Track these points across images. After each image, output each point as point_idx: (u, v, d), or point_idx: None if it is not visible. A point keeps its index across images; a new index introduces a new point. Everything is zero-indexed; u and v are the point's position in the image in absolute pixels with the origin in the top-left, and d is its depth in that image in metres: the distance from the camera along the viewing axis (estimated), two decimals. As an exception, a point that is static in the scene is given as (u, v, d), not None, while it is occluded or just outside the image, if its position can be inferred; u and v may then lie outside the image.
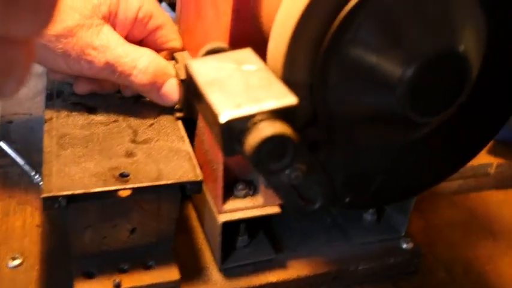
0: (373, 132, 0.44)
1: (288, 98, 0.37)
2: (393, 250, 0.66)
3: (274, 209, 0.59)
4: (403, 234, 0.68)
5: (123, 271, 0.55)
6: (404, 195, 0.51)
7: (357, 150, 0.45)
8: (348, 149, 0.45)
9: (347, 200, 0.48)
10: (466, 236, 0.75)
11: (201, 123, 0.62)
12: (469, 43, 0.40)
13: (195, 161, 0.55)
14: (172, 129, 0.60)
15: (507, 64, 0.47)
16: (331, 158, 0.45)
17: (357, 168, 0.46)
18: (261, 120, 0.36)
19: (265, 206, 0.59)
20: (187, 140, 0.59)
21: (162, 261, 0.57)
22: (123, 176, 0.51)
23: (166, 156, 0.55)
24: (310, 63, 0.40)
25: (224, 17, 0.50)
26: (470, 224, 0.78)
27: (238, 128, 0.36)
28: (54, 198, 0.48)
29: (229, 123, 0.36)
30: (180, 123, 0.62)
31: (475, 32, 0.41)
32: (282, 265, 0.62)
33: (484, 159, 0.86)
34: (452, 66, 0.39)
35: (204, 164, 0.62)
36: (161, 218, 0.55)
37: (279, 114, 0.37)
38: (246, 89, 0.38)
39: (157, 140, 0.58)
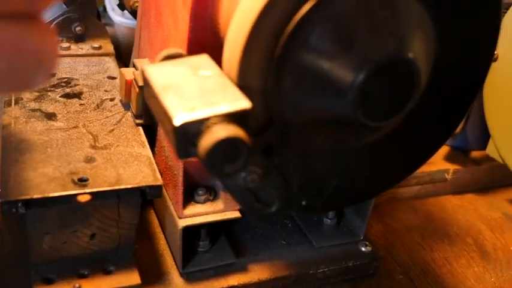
0: (326, 136, 0.45)
1: (241, 102, 0.38)
2: (352, 253, 0.68)
3: (235, 214, 0.60)
4: (361, 237, 0.69)
5: (83, 276, 0.55)
6: (359, 198, 0.53)
7: (311, 154, 0.46)
8: (302, 152, 0.46)
9: (303, 203, 0.49)
10: (423, 239, 0.78)
11: (161, 130, 0.63)
12: (418, 50, 0.42)
13: (155, 166, 0.56)
14: (132, 135, 0.61)
15: (456, 71, 0.49)
16: (286, 162, 0.46)
17: (312, 172, 0.47)
18: (214, 124, 0.36)
19: (225, 211, 0.60)
20: (147, 146, 0.59)
21: (122, 266, 0.57)
22: (82, 181, 0.51)
23: (126, 161, 0.56)
24: (264, 69, 0.41)
25: (182, 24, 0.51)
26: (427, 227, 0.80)
27: (192, 131, 0.37)
28: (12, 203, 0.48)
29: (183, 126, 0.36)
30: (140, 129, 0.62)
31: (424, 39, 0.43)
32: (243, 269, 0.63)
33: (441, 165, 0.88)
34: (402, 72, 0.41)
35: (164, 170, 0.63)
36: (121, 224, 0.56)
37: (233, 118, 0.37)
38: (201, 93, 0.39)
39: (117, 146, 0.58)
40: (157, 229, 0.68)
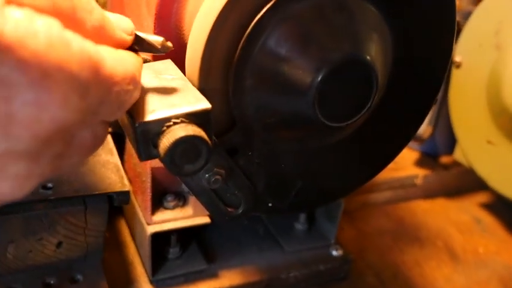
0: (290, 137, 0.46)
1: (201, 103, 0.38)
2: (323, 257, 0.68)
3: (204, 219, 0.60)
4: (332, 241, 0.70)
5: (49, 286, 0.55)
6: (325, 199, 0.53)
7: (275, 155, 0.47)
8: (266, 153, 0.46)
9: (269, 204, 0.49)
10: (394, 243, 0.78)
11: (130, 137, 0.63)
12: (374, 52, 0.43)
13: (122, 173, 0.56)
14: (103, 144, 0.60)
15: (415, 74, 0.50)
16: (251, 163, 0.46)
17: (277, 173, 0.48)
18: (174, 124, 0.37)
19: (194, 217, 0.60)
20: (115, 153, 0.59)
21: (90, 275, 0.56)
22: (46, 188, 0.51)
23: (93, 168, 0.56)
24: (225, 71, 0.42)
25: (147, 31, 0.52)
26: (398, 231, 0.81)
27: (153, 132, 0.37)
28: (-26, 211, 0.47)
29: (144, 127, 0.37)
30: (109, 137, 0.62)
31: (380, 42, 0.44)
32: (214, 275, 0.63)
33: (410, 170, 0.90)
34: (359, 74, 0.42)
35: (133, 177, 0.63)
36: (89, 231, 0.55)
37: (193, 118, 0.38)
38: (162, 96, 0.39)
39: (85, 153, 0.58)
40: (128, 237, 0.67)
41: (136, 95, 0.34)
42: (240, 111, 0.43)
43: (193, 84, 0.42)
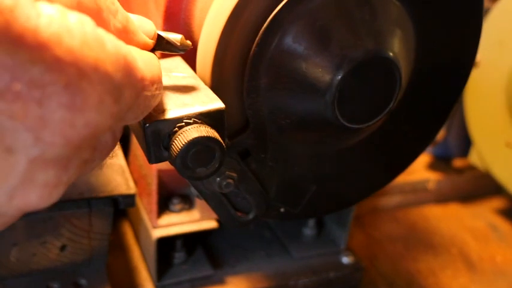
0: (305, 139, 0.44)
1: (214, 103, 0.36)
2: (333, 264, 0.66)
3: (211, 224, 0.58)
4: (342, 248, 0.67)
5: (52, 291, 0.52)
6: (339, 205, 0.51)
7: (290, 158, 0.45)
8: (280, 157, 0.44)
9: (281, 210, 0.47)
10: (406, 250, 0.76)
11: (134, 138, 0.60)
12: (398, 49, 0.41)
13: (128, 175, 0.54)
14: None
15: (438, 74, 0.48)
16: (263, 167, 0.44)
17: (291, 177, 0.46)
18: (187, 125, 0.35)
19: (201, 221, 0.58)
20: (121, 155, 0.57)
21: (94, 279, 0.54)
22: (51, 190, 0.49)
23: (100, 170, 0.53)
24: (239, 69, 0.40)
25: (156, 28, 0.50)
26: (410, 238, 0.79)
27: (163, 133, 0.35)
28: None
29: (154, 127, 0.34)
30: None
31: (403, 39, 0.42)
32: (220, 281, 0.61)
33: (422, 174, 0.87)
34: (382, 72, 0.40)
35: (138, 179, 0.61)
36: (93, 234, 0.53)
37: (206, 119, 0.36)
38: (173, 95, 0.37)
39: (89, 154, 0.56)
40: (132, 241, 0.65)
41: (159, 99, 0.32)
42: (254, 112, 0.41)
43: (205, 83, 0.40)
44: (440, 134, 0.87)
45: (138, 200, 0.62)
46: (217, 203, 0.43)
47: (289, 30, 0.38)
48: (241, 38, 0.39)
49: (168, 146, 0.35)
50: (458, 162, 0.90)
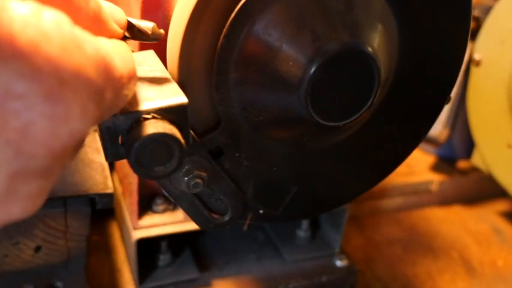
0: (282, 137, 0.42)
1: (177, 98, 0.34)
2: (326, 268, 0.64)
3: (195, 225, 0.56)
4: (337, 251, 0.65)
5: (26, 293, 0.51)
6: (324, 206, 0.48)
7: (266, 157, 0.42)
8: (256, 155, 0.42)
9: (260, 211, 0.45)
10: (405, 253, 0.73)
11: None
12: (377, 43, 0.38)
13: (107, 173, 0.52)
14: (88, 141, 0.57)
15: (425, 70, 0.45)
16: (238, 166, 0.42)
17: (269, 178, 0.43)
18: (144, 120, 0.32)
19: (185, 222, 0.56)
20: (102, 152, 0.55)
21: (71, 282, 0.53)
22: (23, 188, 0.47)
23: (76, 168, 0.52)
24: (208, 63, 0.37)
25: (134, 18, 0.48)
26: (410, 241, 0.76)
27: (120, 129, 0.33)
28: None
29: (109, 122, 0.32)
30: (96, 135, 0.58)
31: (384, 33, 0.39)
32: (206, 284, 0.59)
33: (425, 175, 0.84)
34: (359, 67, 0.37)
35: (122, 177, 0.59)
36: (70, 235, 0.51)
37: (168, 114, 0.34)
38: (136, 89, 0.35)
39: (69, 152, 0.54)
40: (118, 242, 0.64)
41: (133, 93, 0.31)
42: (225, 108, 0.39)
43: (174, 78, 0.38)
44: (444, 135, 0.84)
45: (121, 200, 0.60)
46: (188, 204, 0.41)
47: (259, 20, 0.36)
48: (209, 29, 0.36)
49: (124, 142, 0.33)
50: (462, 164, 0.87)
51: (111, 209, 0.66)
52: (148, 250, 0.57)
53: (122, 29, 0.33)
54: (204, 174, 0.39)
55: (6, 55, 0.19)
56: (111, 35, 0.31)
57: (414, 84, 0.45)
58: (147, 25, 0.35)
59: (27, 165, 0.22)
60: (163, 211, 0.56)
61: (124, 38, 0.34)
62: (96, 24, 0.29)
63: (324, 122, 0.38)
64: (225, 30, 0.36)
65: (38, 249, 0.51)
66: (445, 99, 0.46)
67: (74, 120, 0.22)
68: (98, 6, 0.29)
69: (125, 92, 0.27)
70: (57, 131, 0.22)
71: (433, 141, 0.82)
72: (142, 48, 0.47)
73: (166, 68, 0.39)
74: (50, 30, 0.21)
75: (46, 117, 0.21)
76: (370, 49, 0.37)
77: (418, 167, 0.86)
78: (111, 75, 0.25)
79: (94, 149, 0.56)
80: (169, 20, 0.46)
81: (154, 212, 0.56)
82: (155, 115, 0.33)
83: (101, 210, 0.53)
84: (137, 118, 0.33)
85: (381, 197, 0.81)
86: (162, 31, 0.36)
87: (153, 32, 0.35)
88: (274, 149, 0.42)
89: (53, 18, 0.22)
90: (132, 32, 0.35)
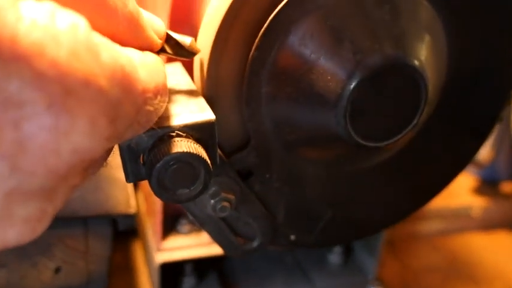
0: (316, 158, 0.38)
1: (204, 114, 0.31)
2: (360, 296, 0.60)
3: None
4: (371, 277, 0.61)
5: (44, 316, 0.48)
6: (360, 232, 0.45)
7: (299, 179, 0.39)
8: (288, 177, 0.39)
9: (292, 237, 0.41)
10: (445, 283, 0.68)
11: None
12: (424, 57, 0.35)
13: (130, 191, 0.49)
14: (113, 157, 0.54)
15: (475, 86, 0.41)
16: (269, 188, 0.39)
17: (302, 201, 0.40)
18: (169, 138, 0.30)
19: (211, 244, 0.53)
20: (125, 170, 0.53)
21: (91, 305, 0.50)
22: (42, 207, 0.45)
23: (99, 185, 0.49)
24: (238, 77, 0.35)
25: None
26: (450, 269, 0.71)
27: (142, 147, 0.30)
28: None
29: (130, 141, 0.30)
30: (120, 150, 0.56)
31: (432, 45, 0.36)
32: (232, 311, 0.55)
33: (467, 199, 0.80)
34: (403, 82, 0.34)
35: (147, 196, 0.57)
36: (90, 257, 0.49)
37: (193, 132, 0.31)
38: (161, 103, 0.32)
39: (92, 168, 0.52)
40: (142, 263, 0.61)
41: (162, 110, 0.28)
42: (255, 125, 0.36)
43: (201, 92, 0.35)
44: (488, 156, 0.79)
45: (145, 220, 0.57)
46: (214, 228, 0.38)
47: (294, 31, 0.33)
48: (239, 40, 0.34)
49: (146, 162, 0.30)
50: (507, 187, 0.82)
51: (135, 228, 0.63)
52: (172, 271, 0.55)
53: (161, 38, 0.30)
54: (231, 196, 0.36)
55: (7, 57, 0.17)
56: (148, 44, 0.28)
57: (463, 101, 0.41)
58: (185, 39, 0.32)
59: (24, 184, 0.19)
60: (189, 232, 0.53)
61: (159, 52, 0.32)
62: (132, 29, 0.26)
63: (363, 142, 0.34)
64: (257, 41, 0.33)
65: (57, 270, 0.48)
66: (496, 119, 0.42)
67: (79, 136, 0.20)
68: (137, 10, 0.26)
69: (148, 108, 0.24)
70: (58, 147, 0.19)
71: (475, 163, 0.77)
72: (169, 61, 0.45)
73: (193, 81, 0.37)
74: (60, 33, 0.19)
75: (47, 129, 0.19)
76: (416, 62, 0.34)
77: (458, 188, 0.81)
78: (130, 87, 0.22)
79: (117, 165, 0.53)
80: (197, 31, 0.44)
81: (179, 232, 0.53)
82: (180, 133, 0.30)
83: (127, 230, 0.50)
84: (160, 136, 0.30)
85: (418, 220, 0.77)
86: (198, 47, 0.33)
87: (191, 47, 0.33)
88: (308, 170, 0.39)
89: (67, 21, 0.19)
90: (169, 45, 0.32)
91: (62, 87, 0.19)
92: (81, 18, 0.20)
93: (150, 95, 0.24)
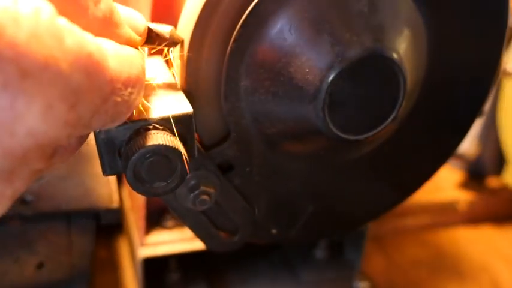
0: (296, 151, 0.38)
1: (181, 107, 0.31)
2: (346, 290, 0.60)
3: (205, 243, 0.53)
4: (357, 272, 0.61)
5: (27, 312, 0.48)
6: (342, 227, 0.45)
7: (280, 173, 0.39)
8: (268, 171, 0.39)
9: (273, 231, 0.41)
10: (431, 277, 0.69)
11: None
12: (404, 50, 0.35)
13: (113, 186, 0.49)
14: (93, 151, 0.54)
15: (456, 80, 0.41)
16: (249, 182, 0.38)
17: (283, 195, 0.40)
18: (145, 131, 0.30)
19: (196, 239, 0.52)
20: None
21: (74, 300, 0.50)
22: (25, 202, 0.45)
23: (81, 180, 0.49)
24: (217, 70, 0.34)
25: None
26: (436, 263, 0.71)
27: (119, 140, 0.30)
28: None
29: (107, 133, 0.30)
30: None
31: (411, 38, 0.36)
32: (217, 306, 0.55)
33: (452, 193, 0.80)
34: (382, 75, 0.34)
35: (131, 191, 0.56)
36: (73, 252, 0.49)
37: (170, 125, 0.31)
38: (138, 96, 0.32)
39: (75, 163, 0.52)
40: (127, 258, 0.61)
41: (137, 103, 0.28)
42: (235, 119, 0.36)
43: (180, 86, 0.35)
44: (474, 151, 0.79)
45: (130, 215, 0.57)
46: (195, 222, 0.38)
47: (272, 23, 0.33)
48: (218, 33, 0.34)
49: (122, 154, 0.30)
50: (492, 181, 0.82)
51: (120, 223, 0.63)
52: (157, 266, 0.54)
53: (140, 35, 0.30)
54: (211, 190, 0.36)
55: None
56: (125, 41, 0.28)
57: (444, 96, 0.41)
58: (165, 29, 0.32)
59: None
60: (173, 227, 0.53)
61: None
62: (105, 27, 0.26)
63: (342, 135, 0.34)
64: (235, 33, 0.33)
65: (40, 265, 0.48)
66: (477, 113, 0.43)
67: (35, 118, 0.19)
68: (109, 8, 0.26)
69: (117, 98, 0.24)
70: (13, 128, 0.19)
71: (461, 157, 0.77)
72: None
73: (173, 75, 0.37)
74: (22, 15, 0.19)
75: (1, 109, 0.18)
76: (395, 55, 0.34)
77: (444, 183, 0.81)
78: (96, 75, 0.22)
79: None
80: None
81: (164, 227, 0.53)
82: (157, 125, 0.30)
83: (110, 224, 0.50)
84: (137, 129, 0.30)
85: (404, 215, 0.77)
86: (180, 36, 0.33)
87: (172, 36, 0.32)
88: (289, 163, 0.39)
89: (30, 4, 0.19)
90: (150, 37, 0.32)
91: (19, 68, 0.18)
92: (47, 4, 0.20)
93: (119, 85, 0.24)
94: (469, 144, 0.76)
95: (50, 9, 0.20)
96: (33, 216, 0.45)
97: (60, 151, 0.24)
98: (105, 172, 0.31)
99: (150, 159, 0.29)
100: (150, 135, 0.29)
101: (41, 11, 0.19)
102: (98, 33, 0.25)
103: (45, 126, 0.20)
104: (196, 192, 0.36)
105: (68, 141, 0.25)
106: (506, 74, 0.71)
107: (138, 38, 0.30)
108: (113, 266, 0.59)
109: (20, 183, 0.21)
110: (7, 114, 0.19)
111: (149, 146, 0.29)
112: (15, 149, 0.20)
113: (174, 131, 0.31)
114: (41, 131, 0.20)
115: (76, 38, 0.21)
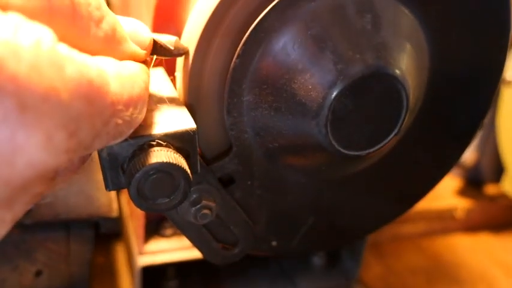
0: (298, 165, 0.38)
1: (184, 123, 0.31)
2: (343, 299, 0.60)
3: (205, 252, 0.52)
4: (354, 280, 0.61)
5: (25, 320, 0.48)
6: (341, 239, 0.45)
7: (281, 186, 0.39)
8: (270, 184, 0.38)
9: (273, 243, 0.41)
10: (429, 284, 0.69)
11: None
12: (406, 66, 0.35)
13: (112, 195, 0.49)
14: (95, 160, 0.54)
15: (457, 93, 0.41)
16: (250, 195, 0.38)
17: (283, 208, 0.40)
18: (149, 147, 0.30)
19: (194, 248, 0.52)
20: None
21: (73, 309, 0.50)
22: (23, 210, 0.45)
23: (81, 188, 0.49)
24: (220, 84, 0.34)
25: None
26: (434, 270, 0.72)
27: (122, 156, 0.30)
28: None
29: (109, 150, 0.30)
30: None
31: (413, 54, 0.36)
32: (214, 315, 0.55)
33: (451, 200, 0.80)
34: (385, 92, 0.34)
35: (129, 200, 0.56)
36: (71, 260, 0.49)
37: (173, 141, 0.31)
38: (141, 111, 0.32)
39: (74, 171, 0.51)
40: (124, 265, 0.61)
41: (139, 121, 0.27)
42: (237, 133, 0.36)
43: (183, 100, 0.35)
44: (472, 158, 0.80)
45: (128, 223, 0.57)
46: (196, 235, 0.38)
47: (276, 39, 0.33)
48: (222, 47, 0.34)
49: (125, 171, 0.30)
50: (491, 189, 0.83)
51: (118, 231, 0.63)
52: (155, 274, 0.54)
53: (145, 49, 0.30)
54: (212, 204, 0.36)
55: None
56: (128, 56, 0.28)
57: (445, 109, 0.41)
58: (169, 40, 0.32)
59: None
60: (171, 235, 0.53)
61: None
62: (106, 45, 0.26)
63: (345, 152, 0.34)
64: (238, 49, 0.33)
65: (38, 273, 0.48)
66: (478, 125, 0.43)
67: (35, 150, 0.19)
68: (112, 26, 0.26)
69: (118, 121, 0.24)
70: (12, 160, 0.19)
71: (459, 164, 0.77)
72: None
73: (175, 88, 0.37)
74: (22, 48, 0.18)
75: (0, 142, 0.18)
76: (397, 72, 0.34)
77: (442, 191, 0.81)
78: (98, 100, 0.22)
79: (99, 169, 0.53)
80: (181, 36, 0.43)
81: (162, 235, 0.52)
82: (160, 142, 0.30)
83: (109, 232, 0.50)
84: (140, 145, 0.30)
85: (402, 222, 0.77)
86: (185, 46, 0.33)
87: (176, 47, 0.32)
88: (290, 177, 0.39)
89: (31, 35, 0.19)
90: (154, 49, 0.32)
91: (19, 101, 0.18)
92: (48, 31, 0.20)
93: (120, 107, 0.24)
94: (467, 152, 0.77)
95: (51, 38, 0.20)
96: (32, 225, 0.45)
97: (62, 172, 0.24)
98: (108, 188, 0.31)
99: (154, 176, 0.29)
100: (154, 152, 0.29)
101: (41, 42, 0.19)
102: (99, 51, 0.25)
103: (45, 156, 0.20)
104: (198, 206, 0.35)
105: (70, 162, 0.25)
106: (505, 82, 0.71)
107: (142, 53, 0.30)
108: (110, 274, 0.59)
109: (20, 208, 0.21)
110: (6, 147, 0.18)
111: (153, 163, 0.28)
112: (15, 180, 0.20)
113: (177, 147, 0.31)
114: (41, 161, 0.20)
115: (76, 66, 0.20)
